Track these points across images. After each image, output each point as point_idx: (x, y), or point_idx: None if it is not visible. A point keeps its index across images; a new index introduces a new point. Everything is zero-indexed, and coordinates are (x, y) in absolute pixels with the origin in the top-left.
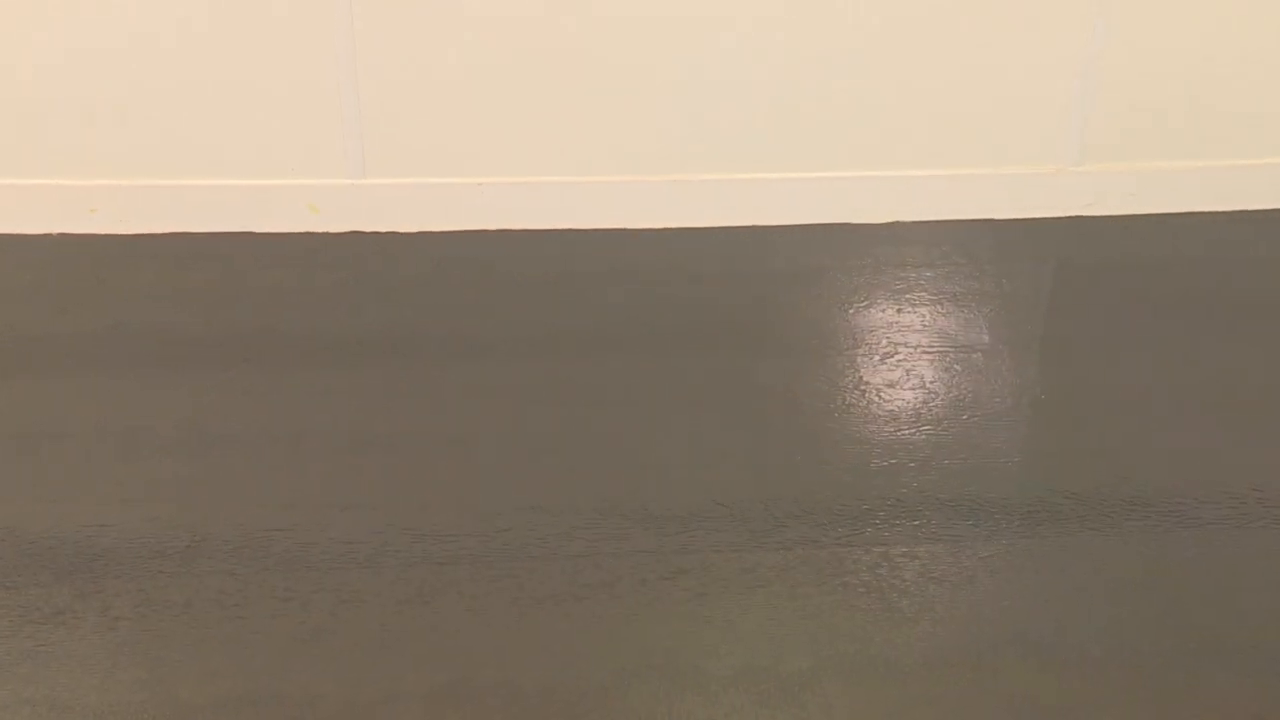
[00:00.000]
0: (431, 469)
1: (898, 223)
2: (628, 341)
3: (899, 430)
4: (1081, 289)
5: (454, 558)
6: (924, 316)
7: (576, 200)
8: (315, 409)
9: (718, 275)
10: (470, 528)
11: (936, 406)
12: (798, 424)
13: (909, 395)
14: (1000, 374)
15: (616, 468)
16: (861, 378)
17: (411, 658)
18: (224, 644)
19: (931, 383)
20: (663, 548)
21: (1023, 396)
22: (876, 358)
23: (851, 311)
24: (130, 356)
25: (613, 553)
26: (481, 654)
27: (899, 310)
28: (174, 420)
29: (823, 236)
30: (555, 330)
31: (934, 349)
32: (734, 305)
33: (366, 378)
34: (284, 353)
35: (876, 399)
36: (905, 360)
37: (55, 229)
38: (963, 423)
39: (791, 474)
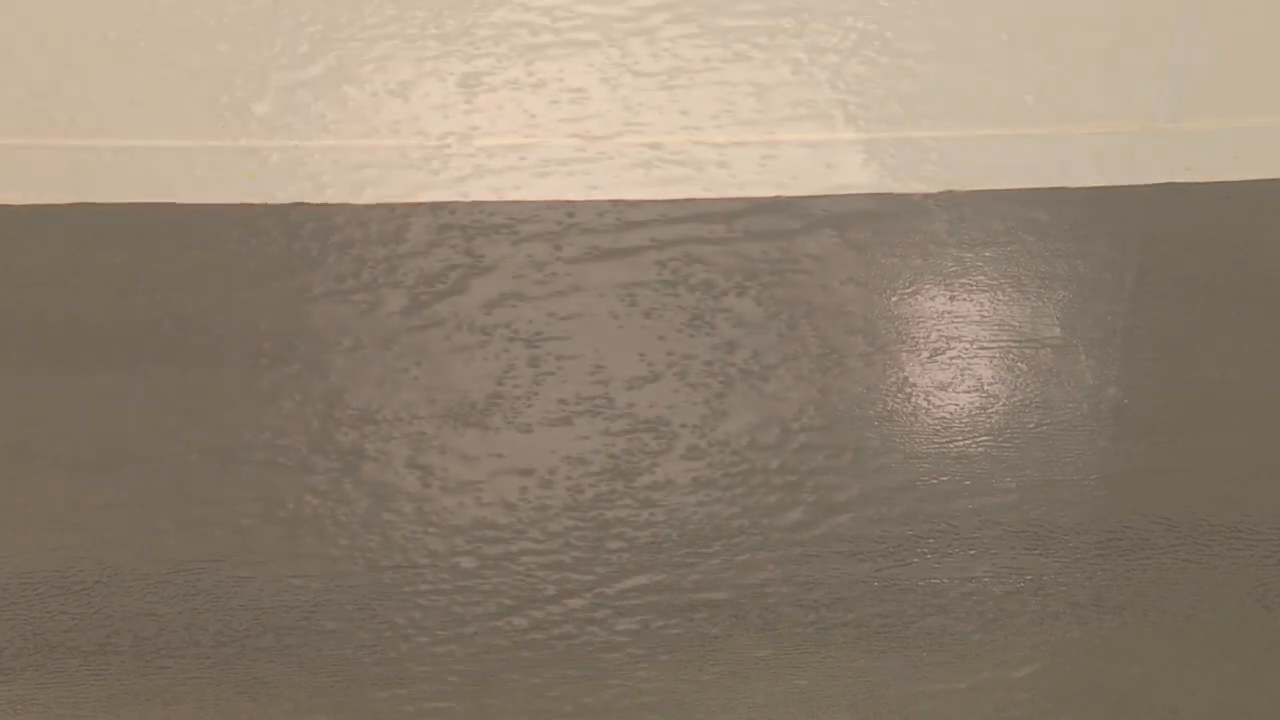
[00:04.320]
0: (395, 485)
1: (951, 192)
2: (624, 332)
3: (951, 441)
4: (1173, 270)
5: (423, 593)
6: (982, 305)
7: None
8: (248, 415)
9: (731, 256)
10: (441, 558)
11: (997, 413)
12: (830, 434)
13: (964, 399)
14: (1074, 374)
15: (612, 484)
16: (907, 378)
17: (369, 716)
18: (143, 699)
19: (991, 384)
20: (669, 583)
21: (1101, 401)
22: (925, 354)
23: (895, 299)
24: (22, 353)
25: (609, 590)
26: (454, 712)
27: (952, 298)
28: (76, 430)
29: (861, 208)
30: (540, 321)
31: (994, 344)
32: (752, 291)
33: (313, 378)
34: (211, 349)
35: (925, 404)
36: (959, 357)
37: None
38: (1029, 433)
39: (823, 494)
